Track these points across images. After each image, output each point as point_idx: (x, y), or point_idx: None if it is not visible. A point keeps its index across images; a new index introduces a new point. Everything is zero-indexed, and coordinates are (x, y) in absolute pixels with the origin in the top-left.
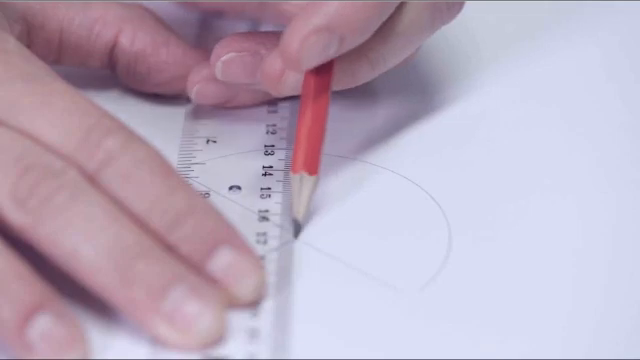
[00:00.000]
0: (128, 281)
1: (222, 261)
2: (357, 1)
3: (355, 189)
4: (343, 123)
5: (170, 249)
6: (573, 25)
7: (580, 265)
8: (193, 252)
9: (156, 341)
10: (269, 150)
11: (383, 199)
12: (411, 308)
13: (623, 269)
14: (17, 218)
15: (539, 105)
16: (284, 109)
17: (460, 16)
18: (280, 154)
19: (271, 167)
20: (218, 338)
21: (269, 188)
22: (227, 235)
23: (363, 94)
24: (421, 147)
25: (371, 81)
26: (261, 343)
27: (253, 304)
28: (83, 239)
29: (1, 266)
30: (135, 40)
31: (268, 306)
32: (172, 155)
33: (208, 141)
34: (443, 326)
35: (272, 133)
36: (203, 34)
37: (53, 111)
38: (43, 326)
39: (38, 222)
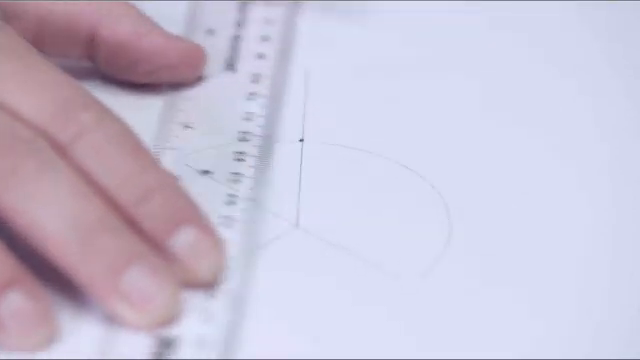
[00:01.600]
0: (88, 256)
1: (184, 239)
2: None
3: (352, 176)
4: (344, 111)
5: (134, 224)
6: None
7: (582, 252)
8: (156, 228)
9: (113, 319)
10: (244, 137)
11: (381, 186)
12: (410, 295)
13: (625, 262)
14: None
15: (549, 95)
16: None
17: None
18: (255, 141)
19: (243, 153)
20: (173, 318)
21: (239, 173)
22: (192, 215)
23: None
24: (422, 134)
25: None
26: (213, 326)
27: (211, 285)
28: (47, 210)
29: None
30: (116, 31)
31: (227, 289)
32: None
33: (185, 127)
34: (442, 315)
35: (248, 120)
36: (189, 29)
37: (29, 84)
38: (13, 304)
39: (3, 190)
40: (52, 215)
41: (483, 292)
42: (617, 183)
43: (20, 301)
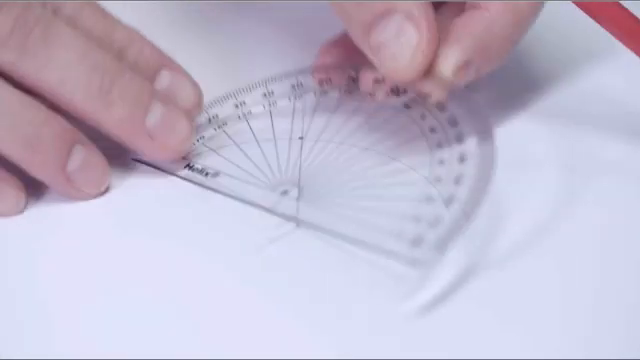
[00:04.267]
0: (112, 102)
1: (164, 82)
2: (494, 33)
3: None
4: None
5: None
6: None
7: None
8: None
9: (143, 154)
10: None
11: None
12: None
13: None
14: (1, 56)
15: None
16: None
17: None
18: None
19: None
20: (190, 145)
21: None
22: (165, 60)
23: None
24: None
25: None
26: None
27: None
28: (67, 69)
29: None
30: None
31: None
32: None
33: None
34: (441, 320)
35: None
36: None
37: None
38: (81, 156)
39: (22, 57)
40: (73, 73)
41: (475, 298)
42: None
43: (87, 154)
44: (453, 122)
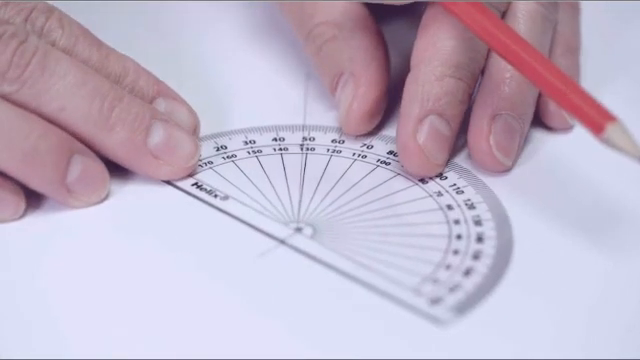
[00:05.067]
0: (113, 125)
1: (159, 109)
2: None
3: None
4: None
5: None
6: None
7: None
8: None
9: (149, 176)
10: None
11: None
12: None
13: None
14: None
15: None
16: None
17: None
18: None
19: None
20: (196, 163)
21: None
22: (161, 88)
23: None
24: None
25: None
26: None
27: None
28: (67, 97)
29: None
30: None
31: None
32: None
33: None
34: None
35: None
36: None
37: None
38: (80, 165)
39: (22, 89)
40: (73, 99)
41: None
42: None
43: (85, 164)
44: (470, 205)
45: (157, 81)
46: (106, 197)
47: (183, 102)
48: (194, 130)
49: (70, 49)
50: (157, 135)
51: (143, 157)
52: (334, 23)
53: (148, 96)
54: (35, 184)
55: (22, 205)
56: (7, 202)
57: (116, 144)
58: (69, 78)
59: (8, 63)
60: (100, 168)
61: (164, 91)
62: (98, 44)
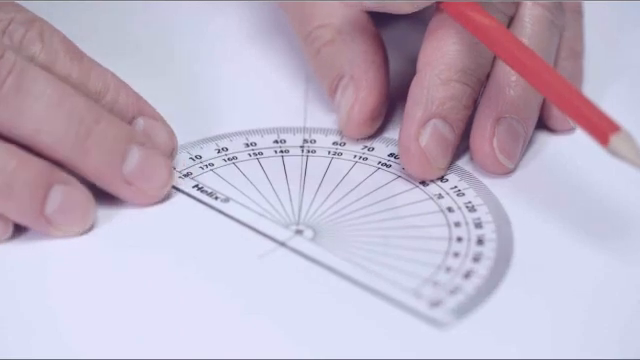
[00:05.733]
0: (89, 149)
1: (140, 126)
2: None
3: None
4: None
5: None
6: None
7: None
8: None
9: (124, 199)
10: None
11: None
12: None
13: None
14: None
15: None
16: None
17: None
18: None
19: None
20: (169, 187)
21: None
22: (141, 105)
23: None
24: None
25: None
26: None
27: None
28: (42, 119)
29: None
30: None
31: None
32: None
33: None
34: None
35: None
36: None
37: None
38: (60, 196)
39: None
40: (47, 123)
41: None
42: None
43: (66, 194)
44: (471, 208)
45: (138, 98)
46: (91, 227)
47: (163, 122)
48: (171, 152)
49: (49, 65)
50: (132, 161)
51: (116, 183)
52: (333, 26)
53: (127, 115)
54: (13, 217)
55: (8, 228)
56: None
57: (90, 169)
58: (45, 99)
59: None
60: (83, 197)
61: (144, 109)
62: (79, 58)
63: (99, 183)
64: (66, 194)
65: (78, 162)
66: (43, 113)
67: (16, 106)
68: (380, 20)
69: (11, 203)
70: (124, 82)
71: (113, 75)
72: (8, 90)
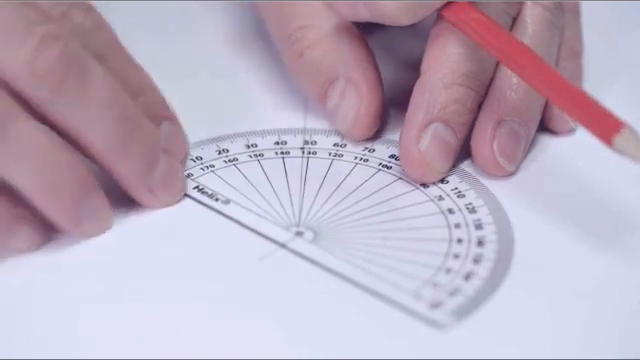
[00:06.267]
0: (130, 154)
1: (163, 134)
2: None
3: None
4: None
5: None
6: None
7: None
8: None
9: (140, 203)
10: None
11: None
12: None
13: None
14: (35, 92)
15: None
16: None
17: None
18: None
19: None
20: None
21: None
22: (167, 111)
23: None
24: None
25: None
26: None
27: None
28: (96, 115)
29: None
30: None
31: None
32: None
33: None
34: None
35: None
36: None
37: None
38: (92, 207)
39: (56, 96)
40: (99, 120)
41: None
42: None
43: (97, 203)
44: (472, 209)
45: (165, 103)
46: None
47: (181, 128)
48: (184, 159)
49: (104, 56)
50: (159, 171)
51: (141, 188)
52: (316, 27)
53: (157, 118)
54: (50, 214)
55: (40, 237)
56: (24, 233)
57: (126, 172)
58: (101, 96)
59: (50, 66)
60: (108, 208)
61: (168, 113)
62: (129, 57)
63: (125, 185)
64: (97, 203)
65: (116, 163)
66: (97, 109)
67: (76, 98)
68: (369, 25)
69: (54, 201)
70: (156, 87)
71: (146, 73)
72: (71, 81)
